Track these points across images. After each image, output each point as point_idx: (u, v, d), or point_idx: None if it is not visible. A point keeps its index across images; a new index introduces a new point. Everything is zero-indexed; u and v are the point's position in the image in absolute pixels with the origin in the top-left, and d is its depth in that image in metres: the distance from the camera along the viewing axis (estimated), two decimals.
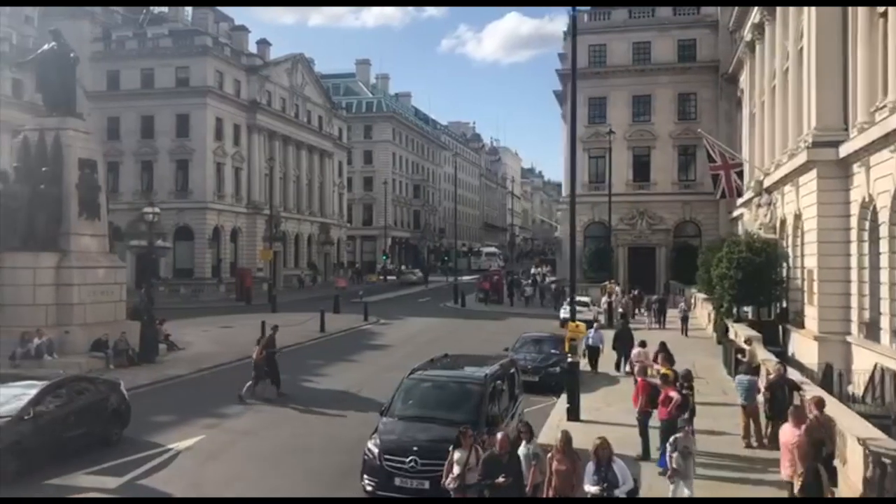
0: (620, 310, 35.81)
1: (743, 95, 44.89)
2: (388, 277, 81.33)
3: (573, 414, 17.33)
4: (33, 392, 13.68)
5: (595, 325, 29.75)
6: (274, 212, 62.97)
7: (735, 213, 46.81)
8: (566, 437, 9.59)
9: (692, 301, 43.19)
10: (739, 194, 31.49)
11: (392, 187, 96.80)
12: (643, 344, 22.42)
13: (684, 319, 31.78)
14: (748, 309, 30.25)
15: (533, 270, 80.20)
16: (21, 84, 55.17)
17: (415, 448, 11.50)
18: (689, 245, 52.26)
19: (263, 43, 71.25)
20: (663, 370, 15.05)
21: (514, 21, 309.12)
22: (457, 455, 10.42)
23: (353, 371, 24.76)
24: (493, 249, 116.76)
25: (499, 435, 10.14)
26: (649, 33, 52.98)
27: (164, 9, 72.20)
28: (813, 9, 23.27)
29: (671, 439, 10.59)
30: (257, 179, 65.10)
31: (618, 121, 52.69)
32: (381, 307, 46.99)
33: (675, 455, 10.22)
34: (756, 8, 34.39)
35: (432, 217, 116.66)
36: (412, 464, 11.37)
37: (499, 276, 54.28)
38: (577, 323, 18.36)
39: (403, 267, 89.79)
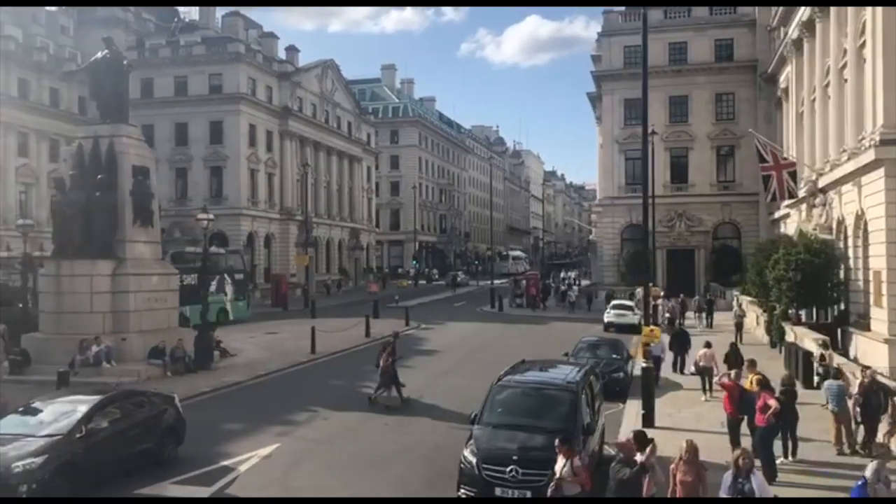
0: (668, 315, 35.25)
1: (785, 95, 44.22)
2: (419, 282, 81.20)
3: (648, 420, 16.97)
4: (85, 408, 12.91)
5: None
6: (305, 217, 63.16)
7: (777, 215, 46.13)
8: (692, 447, 9.24)
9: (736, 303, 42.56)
10: (792, 196, 30.88)
11: (418, 192, 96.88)
12: (708, 345, 22.11)
13: (739, 326, 30.67)
14: (801, 312, 29.67)
15: (563, 275, 79.77)
16: (58, 93, 55.76)
17: (514, 457, 11.21)
18: (729, 247, 51.68)
19: (292, 49, 71.50)
20: (752, 376, 14.65)
21: (533, 24, 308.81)
22: (558, 464, 10.18)
23: (409, 377, 24.28)
24: (519, 253, 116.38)
25: (624, 439, 9.80)
26: (685, 33, 52.40)
27: (195, 16, 72.71)
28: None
29: (873, 467, 9.66)
30: (289, 185, 65.28)
31: (654, 122, 51.77)
32: (419, 312, 46.69)
33: (878, 486, 9.44)
34: (803, 5, 33.83)
35: (458, 221, 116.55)
36: (512, 473, 11.07)
37: (536, 280, 53.85)
38: (652, 327, 17.92)
39: (433, 271, 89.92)
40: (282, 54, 69.68)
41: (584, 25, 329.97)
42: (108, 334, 23.42)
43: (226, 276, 41.55)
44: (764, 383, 13.47)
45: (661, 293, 42.59)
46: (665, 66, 52.37)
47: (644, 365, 17.52)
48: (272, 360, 27.16)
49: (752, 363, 15.60)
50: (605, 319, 38.20)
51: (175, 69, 59.66)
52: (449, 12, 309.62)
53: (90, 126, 25.80)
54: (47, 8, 60.84)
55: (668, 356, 24.45)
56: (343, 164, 76.52)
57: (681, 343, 25.33)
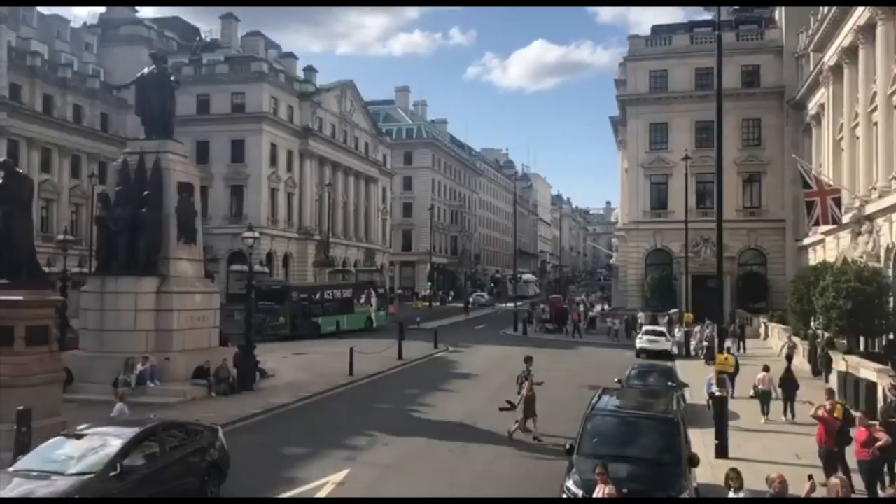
0: (706, 343, 34.63)
1: (816, 121, 44.09)
2: (434, 304, 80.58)
3: (722, 451, 16.48)
4: (119, 442, 11.43)
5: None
6: (324, 237, 62.90)
7: (807, 242, 45.76)
8: (845, 484, 8.76)
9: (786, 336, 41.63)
10: (836, 222, 30.57)
11: (431, 213, 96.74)
12: (766, 368, 21.93)
13: (789, 358, 27.74)
14: (843, 341, 29.12)
15: (578, 298, 79.10)
16: (81, 110, 55.74)
17: (624, 490, 10.74)
18: (755, 273, 51.28)
19: (310, 70, 71.65)
20: (833, 404, 14.20)
21: (539, 49, 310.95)
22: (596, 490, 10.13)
23: (456, 402, 23.95)
24: (530, 276, 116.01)
25: (773, 474, 9.34)
26: (712, 59, 51.59)
27: (216, 35, 72.95)
28: None
29: None
30: (308, 205, 65.07)
31: (680, 147, 51.93)
32: (441, 334, 45.66)
33: None
34: (845, 31, 33.74)
35: (468, 243, 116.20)
36: None
37: (560, 304, 53.38)
38: (727, 356, 17.45)
39: (449, 293, 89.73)
40: (299, 74, 69.83)
41: (591, 51, 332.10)
42: (151, 353, 22.96)
43: (371, 290, 51.56)
44: (867, 417, 13.01)
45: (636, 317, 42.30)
46: (692, 92, 52.34)
47: (718, 393, 17.02)
48: (312, 381, 26.63)
49: (831, 392, 15.16)
50: (638, 345, 37.68)
51: (198, 87, 59.54)
52: (457, 36, 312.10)
53: (136, 141, 25.57)
54: (71, 24, 61.06)
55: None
56: (360, 185, 76.39)
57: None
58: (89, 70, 58.40)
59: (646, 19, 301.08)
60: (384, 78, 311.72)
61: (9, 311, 15.24)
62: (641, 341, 37.72)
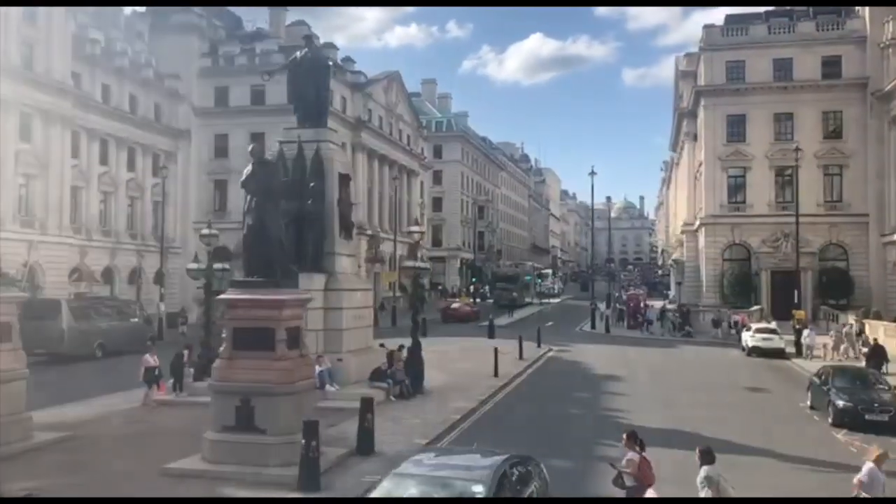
0: (863, 348, 33.18)
1: None
2: (476, 300, 79.14)
3: None
4: (481, 489, 9.11)
5: None
6: (374, 231, 61.40)
7: None
8: None
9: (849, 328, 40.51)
10: None
11: (459, 208, 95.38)
12: None
13: None
14: None
15: (622, 295, 77.80)
16: (136, 100, 53.90)
17: None
18: (837, 269, 50.25)
19: (348, 61, 69.80)
20: None
21: (535, 42, 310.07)
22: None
23: (635, 404, 22.41)
24: (549, 272, 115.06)
25: None
26: (791, 49, 51.22)
27: (259, 24, 71.08)
28: None
29: None
30: (359, 199, 63.36)
31: (758, 139, 51.11)
32: (512, 332, 43.05)
33: None
34: None
35: (493, 238, 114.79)
36: None
37: (636, 301, 52.23)
38: None
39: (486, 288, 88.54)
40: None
41: (587, 45, 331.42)
42: (323, 354, 21.51)
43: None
44: None
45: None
46: (770, 83, 51.24)
47: None
48: (464, 382, 25.23)
49: None
50: (750, 344, 36.49)
51: (251, 77, 57.61)
52: (454, 29, 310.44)
53: (291, 130, 23.94)
54: (125, 12, 59.22)
55: None
56: (402, 178, 74.79)
57: (876, 359, 25.69)
58: (142, 59, 56.46)
59: (644, 14, 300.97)
60: (376, 71, 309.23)
61: (272, 312, 13.79)
62: (754, 339, 36.53)
